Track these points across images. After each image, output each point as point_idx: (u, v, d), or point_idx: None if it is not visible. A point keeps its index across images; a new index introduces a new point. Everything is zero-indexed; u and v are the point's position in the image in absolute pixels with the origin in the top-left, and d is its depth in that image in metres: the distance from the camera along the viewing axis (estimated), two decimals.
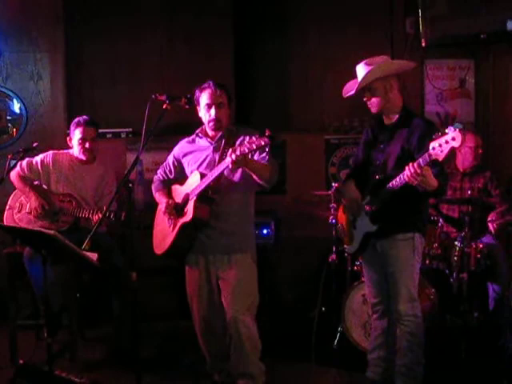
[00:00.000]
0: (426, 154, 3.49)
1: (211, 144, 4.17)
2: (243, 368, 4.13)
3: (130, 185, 3.67)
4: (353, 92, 4.11)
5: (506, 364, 4.67)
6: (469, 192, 5.37)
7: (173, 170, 4.42)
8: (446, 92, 6.41)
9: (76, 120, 5.12)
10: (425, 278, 4.90)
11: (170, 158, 4.43)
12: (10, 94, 6.27)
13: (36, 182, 5.13)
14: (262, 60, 6.59)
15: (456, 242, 5.12)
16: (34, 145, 5.00)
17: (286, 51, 6.63)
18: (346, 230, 4.37)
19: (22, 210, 5.12)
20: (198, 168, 4.16)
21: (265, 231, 5.99)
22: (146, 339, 4.20)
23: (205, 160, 4.16)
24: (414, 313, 4.01)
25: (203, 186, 3.96)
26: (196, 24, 6.29)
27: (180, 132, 4.54)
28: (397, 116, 4.07)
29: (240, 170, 4.01)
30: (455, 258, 5.10)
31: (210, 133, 4.18)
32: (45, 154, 5.19)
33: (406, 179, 3.62)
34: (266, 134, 3.56)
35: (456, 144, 3.40)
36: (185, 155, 4.31)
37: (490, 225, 5.34)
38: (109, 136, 6.23)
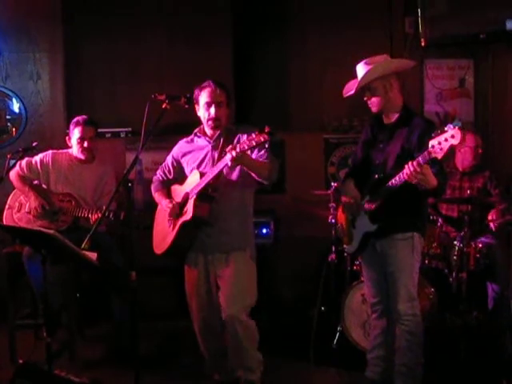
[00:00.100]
0: (426, 152, 3.49)
1: (210, 143, 4.17)
2: (241, 361, 4.16)
3: (130, 184, 3.66)
4: (352, 92, 4.11)
5: (505, 363, 4.67)
6: (468, 191, 5.37)
7: (172, 171, 4.42)
8: (445, 92, 6.41)
9: (75, 119, 5.12)
10: (424, 278, 4.91)
11: (169, 159, 4.43)
12: (10, 93, 6.27)
13: (35, 182, 5.13)
14: (262, 59, 6.58)
15: (455, 242, 5.12)
16: (34, 144, 5.00)
17: (286, 51, 6.62)
18: (345, 230, 4.37)
19: (21, 209, 5.12)
20: (197, 167, 4.17)
21: (264, 231, 5.99)
22: (145, 338, 4.20)
23: (204, 159, 4.17)
24: (414, 312, 4.02)
25: (203, 185, 3.96)
26: (195, 24, 6.28)
27: (179, 131, 4.54)
28: (397, 115, 4.07)
29: (239, 168, 4.01)
30: (454, 258, 5.10)
31: (209, 132, 4.18)
32: (44, 154, 5.19)
33: (406, 177, 3.62)
34: (266, 130, 3.56)
35: (455, 142, 3.40)
36: (184, 155, 4.31)
37: (491, 224, 5.33)
38: (108, 135, 6.22)
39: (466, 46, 6.22)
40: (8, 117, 6.30)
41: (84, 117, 5.12)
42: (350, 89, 4.18)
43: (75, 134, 5.08)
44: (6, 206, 5.18)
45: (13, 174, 5.08)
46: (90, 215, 4.87)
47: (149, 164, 6.24)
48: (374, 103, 4.08)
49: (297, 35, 6.57)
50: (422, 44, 6.01)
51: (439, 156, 3.46)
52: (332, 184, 5.41)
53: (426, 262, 5.14)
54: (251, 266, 4.19)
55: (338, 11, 6.39)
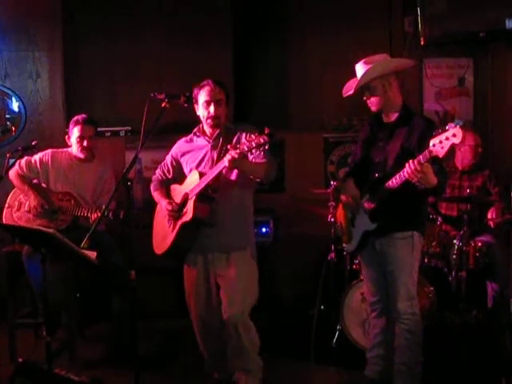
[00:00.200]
0: (427, 151, 3.49)
1: (209, 142, 4.17)
2: (242, 364, 4.15)
3: (129, 183, 3.66)
4: (351, 92, 4.11)
5: (504, 362, 4.66)
6: (468, 190, 5.38)
7: (171, 170, 4.42)
8: (444, 90, 6.41)
9: (75, 118, 5.12)
10: (423, 277, 4.91)
11: (169, 158, 4.43)
12: (9, 92, 6.27)
13: (35, 181, 5.13)
14: (262, 59, 6.58)
15: (455, 241, 5.13)
16: (33, 143, 4.99)
17: (285, 50, 6.62)
18: (344, 229, 4.37)
19: (20, 208, 5.12)
20: (196, 167, 4.16)
21: (263, 229, 6.00)
22: (145, 338, 4.19)
23: (203, 159, 4.16)
24: (413, 311, 4.02)
25: (202, 185, 3.95)
26: (195, 23, 6.28)
27: (179, 130, 4.53)
28: (396, 114, 4.07)
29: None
30: (454, 257, 5.11)
31: (208, 131, 4.18)
32: (44, 153, 5.19)
33: (406, 176, 3.62)
34: (265, 132, 3.56)
35: (457, 140, 3.40)
36: (183, 154, 4.31)
37: (490, 223, 5.33)
38: (107, 134, 6.22)
39: (466, 45, 6.22)
40: (7, 116, 6.30)
41: (83, 116, 5.12)
42: (349, 88, 4.17)
43: (75, 132, 5.08)
44: (6, 205, 5.18)
45: (12, 173, 5.07)
46: (89, 214, 4.87)
47: (148, 163, 6.24)
48: (373, 103, 4.08)
49: (296, 35, 6.58)
50: (422, 43, 6.01)
51: (440, 154, 3.46)
52: (331, 183, 5.41)
53: (426, 260, 5.15)
54: (252, 266, 4.19)
55: (337, 10, 6.40)
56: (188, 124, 4.35)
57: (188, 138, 4.33)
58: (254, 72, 6.59)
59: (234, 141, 3.95)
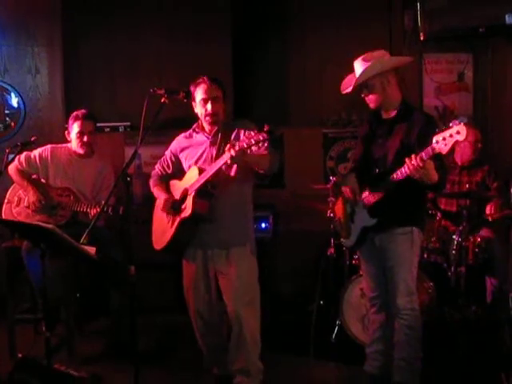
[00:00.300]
0: (430, 148, 3.49)
1: (208, 138, 4.17)
2: (242, 365, 4.14)
3: (128, 179, 3.66)
4: (350, 89, 4.10)
5: (503, 357, 4.67)
6: (467, 186, 5.38)
7: (170, 165, 4.42)
8: (444, 86, 6.40)
9: (74, 114, 5.12)
10: (423, 272, 4.91)
11: (168, 153, 4.43)
12: (8, 87, 6.26)
13: (34, 176, 5.13)
14: (261, 55, 6.58)
15: (454, 236, 5.13)
16: (32, 139, 4.98)
17: (285, 46, 6.62)
18: (343, 224, 4.37)
19: (20, 203, 5.12)
20: (195, 163, 4.16)
21: (263, 225, 6.00)
22: (144, 333, 4.21)
23: (202, 155, 4.16)
24: (412, 306, 4.02)
25: (202, 181, 3.95)
26: (195, 20, 6.28)
27: (178, 126, 4.53)
28: (395, 110, 4.07)
29: (237, 165, 3.99)
30: (453, 252, 5.11)
31: (207, 127, 4.18)
32: (43, 148, 5.19)
33: (408, 172, 3.62)
34: (265, 129, 3.55)
35: (461, 138, 3.41)
36: (182, 150, 4.31)
37: (489, 218, 5.33)
38: (107, 130, 6.22)
39: (466, 40, 6.22)
40: (7, 111, 6.29)
41: (83, 111, 5.12)
42: (347, 85, 4.17)
43: (74, 128, 5.08)
44: (5, 201, 5.18)
45: (12, 169, 5.07)
46: (88, 210, 4.87)
47: (148, 158, 6.24)
48: (371, 100, 4.07)
49: (296, 31, 6.58)
50: (421, 38, 6.00)
51: (443, 152, 3.46)
52: (331, 178, 5.40)
53: (425, 256, 5.16)
54: (252, 262, 4.18)
55: (336, 6, 6.39)
56: (187, 119, 4.34)
57: (187, 133, 4.33)
58: (254, 68, 6.59)
59: (233, 137, 3.94)
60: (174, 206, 4.14)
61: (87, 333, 5.54)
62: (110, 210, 4.72)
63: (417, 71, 6.36)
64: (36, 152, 5.16)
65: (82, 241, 3.53)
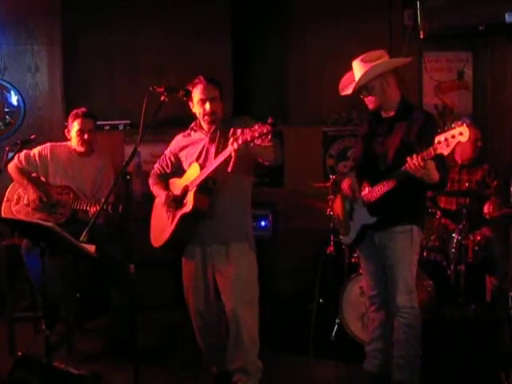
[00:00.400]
0: (431, 148, 3.49)
1: (207, 136, 4.17)
2: (240, 364, 4.14)
3: (128, 177, 3.65)
4: (350, 91, 4.10)
5: (503, 356, 4.67)
6: (467, 184, 5.38)
7: (170, 165, 4.42)
8: (444, 84, 6.41)
9: (74, 112, 5.12)
10: (422, 270, 4.91)
11: (167, 153, 4.44)
12: (8, 86, 6.26)
13: (34, 174, 5.12)
14: (261, 52, 6.58)
15: (454, 235, 5.14)
16: (32, 137, 4.96)
17: (285, 44, 6.62)
18: (342, 221, 4.37)
19: (19, 202, 5.11)
20: (195, 160, 4.16)
21: (262, 223, 6.01)
22: (143, 331, 4.19)
23: (202, 152, 4.16)
24: (412, 305, 4.02)
25: (203, 177, 3.95)
26: (194, 17, 6.28)
27: (178, 124, 4.52)
28: (395, 109, 4.07)
29: (237, 161, 3.97)
30: (453, 250, 5.12)
31: (206, 126, 4.18)
32: (43, 146, 5.18)
33: (410, 171, 3.62)
34: (269, 121, 3.55)
35: (463, 139, 3.41)
36: (181, 149, 4.31)
37: (487, 216, 5.34)
38: (106, 128, 6.22)
39: (465, 39, 6.22)
40: (6, 109, 6.30)
41: (83, 109, 5.12)
42: (345, 85, 4.17)
43: (74, 126, 5.07)
44: (5, 199, 5.18)
45: (11, 167, 5.07)
46: (88, 208, 4.87)
47: (147, 156, 6.24)
48: (370, 101, 4.07)
49: (295, 29, 6.58)
50: (421, 36, 6.01)
51: (445, 152, 3.47)
52: (330, 176, 5.40)
53: (425, 254, 5.16)
54: (251, 259, 4.18)
55: (336, 3, 6.39)
56: (187, 117, 4.33)
57: (186, 132, 4.33)
58: (254, 65, 6.59)
59: (231, 132, 3.93)
60: (175, 201, 4.15)
61: (87, 331, 5.55)
62: (109, 208, 4.72)
63: (416, 70, 6.36)
64: (36, 150, 5.15)
65: (81, 239, 3.53)
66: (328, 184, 5.33)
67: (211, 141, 4.12)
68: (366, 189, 4.04)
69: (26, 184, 5.04)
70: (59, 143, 5.24)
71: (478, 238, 5.22)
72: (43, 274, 3.80)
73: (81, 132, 5.06)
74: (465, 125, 3.40)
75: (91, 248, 3.56)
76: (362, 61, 4.00)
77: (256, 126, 3.54)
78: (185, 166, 4.27)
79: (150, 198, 4.52)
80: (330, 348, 5.06)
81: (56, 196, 5.01)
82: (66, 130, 5.20)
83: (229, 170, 3.88)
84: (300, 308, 5.80)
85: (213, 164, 3.92)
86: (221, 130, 4.09)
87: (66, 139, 5.21)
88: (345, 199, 4.30)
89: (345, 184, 4.18)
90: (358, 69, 4.02)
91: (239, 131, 3.59)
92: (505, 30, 5.82)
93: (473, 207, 5.31)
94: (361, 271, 4.67)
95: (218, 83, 4.15)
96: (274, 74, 6.64)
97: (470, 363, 4.68)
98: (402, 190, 3.82)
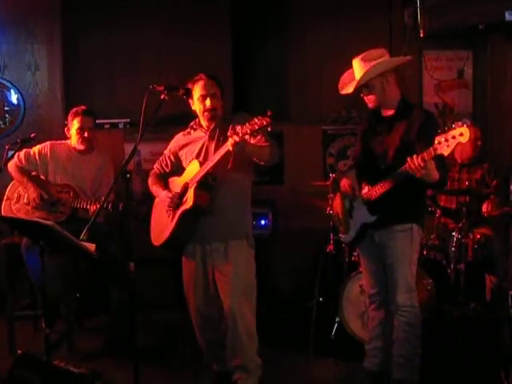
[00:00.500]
0: (431, 149, 3.49)
1: (206, 134, 4.17)
2: (239, 361, 4.14)
3: (128, 175, 3.65)
4: (350, 90, 4.10)
5: (502, 355, 4.67)
6: (466, 183, 5.38)
7: (169, 164, 4.42)
8: (444, 83, 6.41)
9: (74, 110, 5.12)
10: (422, 269, 4.91)
11: (167, 152, 4.44)
12: (8, 84, 6.27)
13: (34, 173, 5.12)
14: (261, 51, 6.57)
15: (453, 233, 5.14)
16: (32, 135, 4.96)
17: (284, 43, 6.61)
18: (341, 219, 4.37)
19: (19, 200, 5.12)
20: (195, 158, 4.16)
21: (262, 222, 6.00)
22: (143, 330, 4.20)
23: (201, 150, 4.16)
24: (412, 303, 4.02)
25: (203, 173, 3.95)
26: (194, 16, 6.28)
27: (178, 122, 4.53)
28: (395, 108, 4.07)
29: (237, 157, 3.98)
30: (453, 249, 5.12)
31: (205, 123, 4.18)
32: (43, 145, 5.18)
33: (410, 171, 3.62)
34: (268, 113, 3.55)
35: (464, 140, 3.41)
36: (181, 148, 4.31)
37: (485, 215, 5.34)
38: (106, 126, 6.23)
39: (465, 37, 6.22)
40: (6, 108, 6.30)
41: (83, 107, 5.12)
42: (344, 83, 4.18)
43: (74, 124, 5.07)
44: (5, 197, 5.18)
45: (11, 165, 5.07)
46: (88, 206, 4.88)
47: (147, 155, 6.24)
48: (370, 99, 4.08)
49: (295, 27, 6.56)
50: (421, 35, 5.99)
51: (445, 153, 3.47)
52: (330, 175, 5.40)
53: (425, 253, 5.16)
54: (250, 257, 4.17)
55: (336, 2, 6.39)
56: (187, 116, 4.33)
57: (185, 131, 4.34)
58: (254, 65, 6.58)
59: (230, 128, 3.93)
60: (176, 198, 4.15)
61: (87, 329, 5.55)
62: (109, 207, 4.72)
63: (416, 68, 6.36)
64: (35, 149, 5.15)
65: (81, 237, 3.52)
66: (328, 182, 5.32)
67: (211, 138, 4.13)
68: (366, 188, 4.05)
69: (26, 182, 5.04)
70: (59, 141, 5.24)
71: (478, 236, 5.22)
72: (43, 272, 3.80)
73: (80, 130, 5.06)
74: (465, 125, 3.40)
75: (91, 246, 3.56)
76: (363, 59, 4.01)
77: (255, 119, 3.55)
78: (185, 164, 4.27)
79: (150, 197, 4.52)
80: (330, 346, 5.06)
81: (56, 194, 5.01)
82: (65, 129, 5.20)
83: (228, 166, 3.89)
84: (300, 306, 5.80)
85: (213, 159, 3.92)
86: (220, 127, 4.09)
87: (66, 137, 5.21)
88: (344, 197, 4.30)
89: (344, 182, 4.19)
90: (359, 68, 4.02)
91: (238, 127, 3.60)
92: (505, 28, 5.80)
93: (473, 206, 5.32)
94: (361, 270, 4.67)
95: (219, 81, 4.16)
96: (274, 74, 6.63)
97: (469, 362, 4.68)
98: (401, 188, 3.82)
